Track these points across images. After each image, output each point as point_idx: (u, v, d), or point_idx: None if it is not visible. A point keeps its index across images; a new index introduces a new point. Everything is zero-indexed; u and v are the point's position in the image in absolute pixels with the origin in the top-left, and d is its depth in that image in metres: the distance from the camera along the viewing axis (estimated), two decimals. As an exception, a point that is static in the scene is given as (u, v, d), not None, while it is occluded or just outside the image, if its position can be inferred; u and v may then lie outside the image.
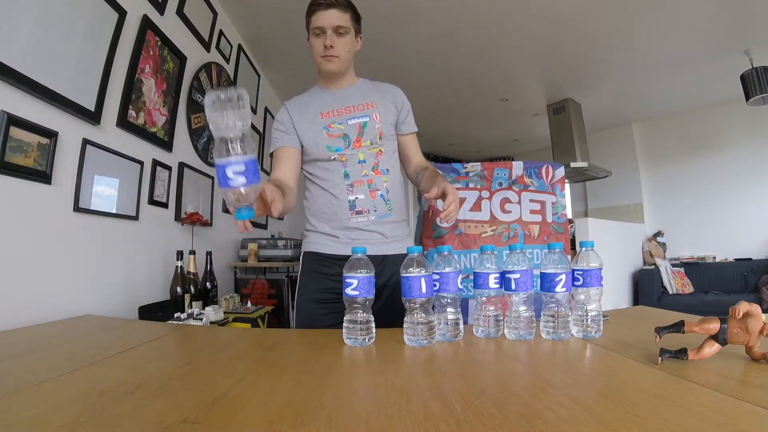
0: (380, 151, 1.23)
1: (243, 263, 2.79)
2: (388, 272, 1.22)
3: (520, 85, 4.27)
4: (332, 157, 1.20)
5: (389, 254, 1.23)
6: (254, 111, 3.42)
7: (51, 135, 1.40)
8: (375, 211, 1.20)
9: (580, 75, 3.98)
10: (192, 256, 1.93)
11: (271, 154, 1.25)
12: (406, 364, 0.73)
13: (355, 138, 1.21)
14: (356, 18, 1.22)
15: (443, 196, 1.07)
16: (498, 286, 0.88)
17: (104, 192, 1.67)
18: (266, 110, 3.71)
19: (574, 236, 3.59)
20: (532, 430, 0.43)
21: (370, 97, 1.25)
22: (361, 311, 0.84)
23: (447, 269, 0.87)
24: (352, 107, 1.23)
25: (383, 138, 1.23)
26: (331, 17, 1.15)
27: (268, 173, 3.80)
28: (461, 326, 0.88)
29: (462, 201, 1.65)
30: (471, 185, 1.75)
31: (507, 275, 0.87)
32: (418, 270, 0.82)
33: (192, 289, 1.85)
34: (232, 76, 2.95)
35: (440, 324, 0.86)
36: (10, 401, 0.54)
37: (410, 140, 1.34)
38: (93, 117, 1.59)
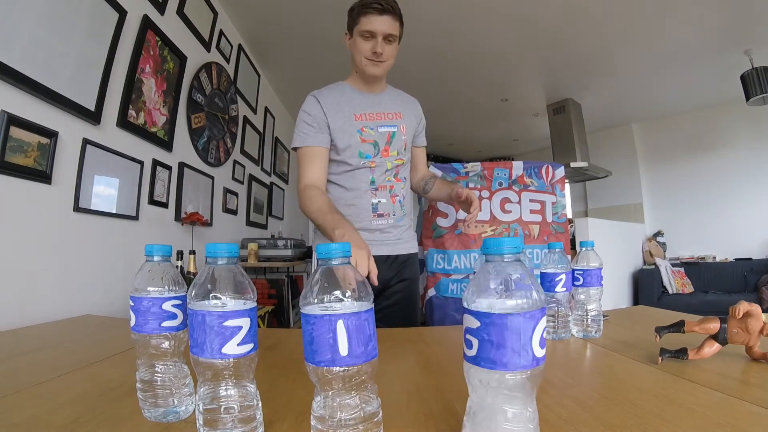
0: (402, 161, 1.26)
1: (243, 263, 2.79)
2: (398, 271, 1.26)
3: (520, 85, 4.27)
4: (362, 164, 1.21)
5: (400, 254, 1.27)
6: (254, 111, 3.42)
7: (51, 135, 1.39)
8: (394, 215, 1.24)
9: (580, 75, 3.98)
10: (192, 256, 1.92)
11: (296, 149, 1.21)
12: (406, 364, 0.73)
13: (384, 147, 1.23)
14: (402, 24, 1.21)
15: (468, 201, 1.14)
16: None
17: (104, 192, 1.67)
18: (266, 110, 3.70)
19: (574, 236, 3.59)
20: (532, 430, 0.43)
21: (399, 107, 1.28)
22: None
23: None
24: (383, 114, 1.24)
25: (406, 149, 1.27)
26: (384, 24, 1.13)
27: (267, 173, 3.79)
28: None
29: None
30: (471, 185, 1.75)
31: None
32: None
33: (192, 289, 1.84)
34: (232, 76, 2.95)
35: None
36: (11, 401, 0.54)
37: (421, 152, 1.40)
38: (93, 117, 1.58)
